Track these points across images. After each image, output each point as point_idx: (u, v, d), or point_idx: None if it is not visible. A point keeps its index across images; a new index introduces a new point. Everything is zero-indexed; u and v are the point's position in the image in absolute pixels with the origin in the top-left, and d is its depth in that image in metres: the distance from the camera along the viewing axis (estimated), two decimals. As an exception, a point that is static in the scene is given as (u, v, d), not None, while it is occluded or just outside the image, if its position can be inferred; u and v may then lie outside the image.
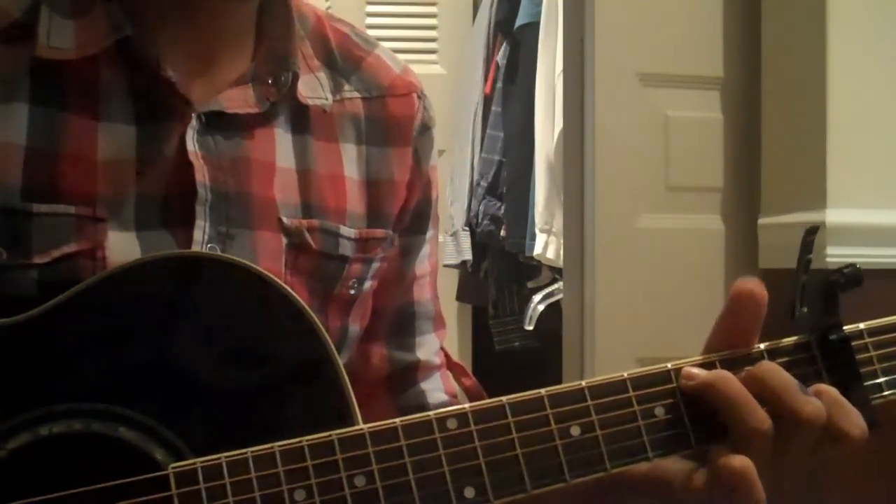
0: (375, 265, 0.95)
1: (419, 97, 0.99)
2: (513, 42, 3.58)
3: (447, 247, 3.72)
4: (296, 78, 0.89)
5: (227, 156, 0.85)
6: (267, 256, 0.86)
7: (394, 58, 1.01)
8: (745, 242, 2.61)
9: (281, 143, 0.89)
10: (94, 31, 0.82)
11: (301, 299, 0.76)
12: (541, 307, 3.48)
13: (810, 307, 0.78)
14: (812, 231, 0.79)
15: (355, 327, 0.95)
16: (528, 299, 3.54)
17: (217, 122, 0.85)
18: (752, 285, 0.76)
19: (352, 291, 0.93)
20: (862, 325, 0.80)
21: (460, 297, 3.85)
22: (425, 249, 1.02)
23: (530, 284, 3.57)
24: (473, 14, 4.04)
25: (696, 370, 0.77)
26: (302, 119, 0.91)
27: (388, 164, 0.96)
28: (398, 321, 1.01)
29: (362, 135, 0.95)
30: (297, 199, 0.89)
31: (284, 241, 0.87)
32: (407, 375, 1.01)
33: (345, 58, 0.96)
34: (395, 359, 1.00)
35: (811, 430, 0.74)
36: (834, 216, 2.29)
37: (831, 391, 0.76)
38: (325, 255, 0.90)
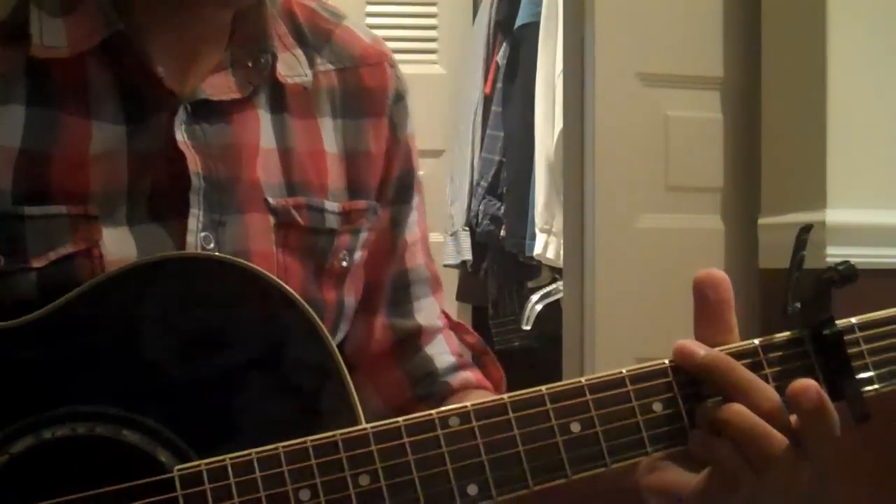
0: (363, 235, 0.96)
1: (391, 65, 1.00)
2: (513, 42, 3.58)
3: (447, 247, 3.71)
4: (275, 59, 0.90)
5: (215, 143, 0.87)
6: (258, 238, 0.87)
7: (364, 29, 1.02)
8: (745, 242, 2.61)
9: (263, 125, 0.90)
10: (84, 27, 0.82)
11: (296, 286, 0.77)
12: (538, 307, 3.48)
13: (804, 303, 0.79)
14: (806, 229, 0.80)
15: (350, 299, 0.96)
16: (528, 299, 3.54)
17: (203, 111, 0.86)
18: (709, 271, 0.79)
19: (343, 263, 0.94)
20: (853, 320, 0.81)
21: (460, 297, 3.85)
22: (413, 216, 1.03)
23: (530, 284, 3.57)
24: (473, 14, 4.04)
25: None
26: (280, 98, 0.92)
27: (363, 135, 0.97)
28: (395, 290, 1.01)
29: (337, 108, 0.96)
30: (281, 178, 0.90)
31: (272, 220, 0.89)
32: (411, 342, 1.01)
33: (314, 32, 0.97)
34: (397, 327, 1.01)
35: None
36: (833, 216, 2.29)
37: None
38: (313, 230, 0.91)
